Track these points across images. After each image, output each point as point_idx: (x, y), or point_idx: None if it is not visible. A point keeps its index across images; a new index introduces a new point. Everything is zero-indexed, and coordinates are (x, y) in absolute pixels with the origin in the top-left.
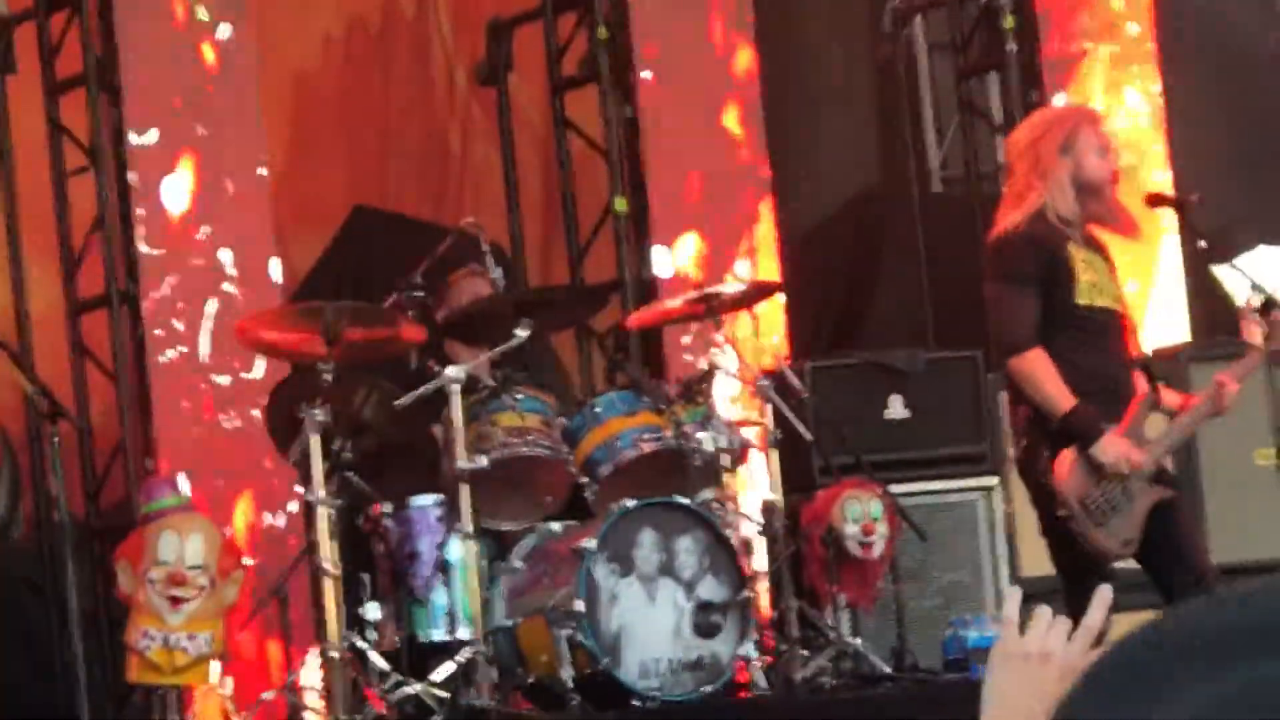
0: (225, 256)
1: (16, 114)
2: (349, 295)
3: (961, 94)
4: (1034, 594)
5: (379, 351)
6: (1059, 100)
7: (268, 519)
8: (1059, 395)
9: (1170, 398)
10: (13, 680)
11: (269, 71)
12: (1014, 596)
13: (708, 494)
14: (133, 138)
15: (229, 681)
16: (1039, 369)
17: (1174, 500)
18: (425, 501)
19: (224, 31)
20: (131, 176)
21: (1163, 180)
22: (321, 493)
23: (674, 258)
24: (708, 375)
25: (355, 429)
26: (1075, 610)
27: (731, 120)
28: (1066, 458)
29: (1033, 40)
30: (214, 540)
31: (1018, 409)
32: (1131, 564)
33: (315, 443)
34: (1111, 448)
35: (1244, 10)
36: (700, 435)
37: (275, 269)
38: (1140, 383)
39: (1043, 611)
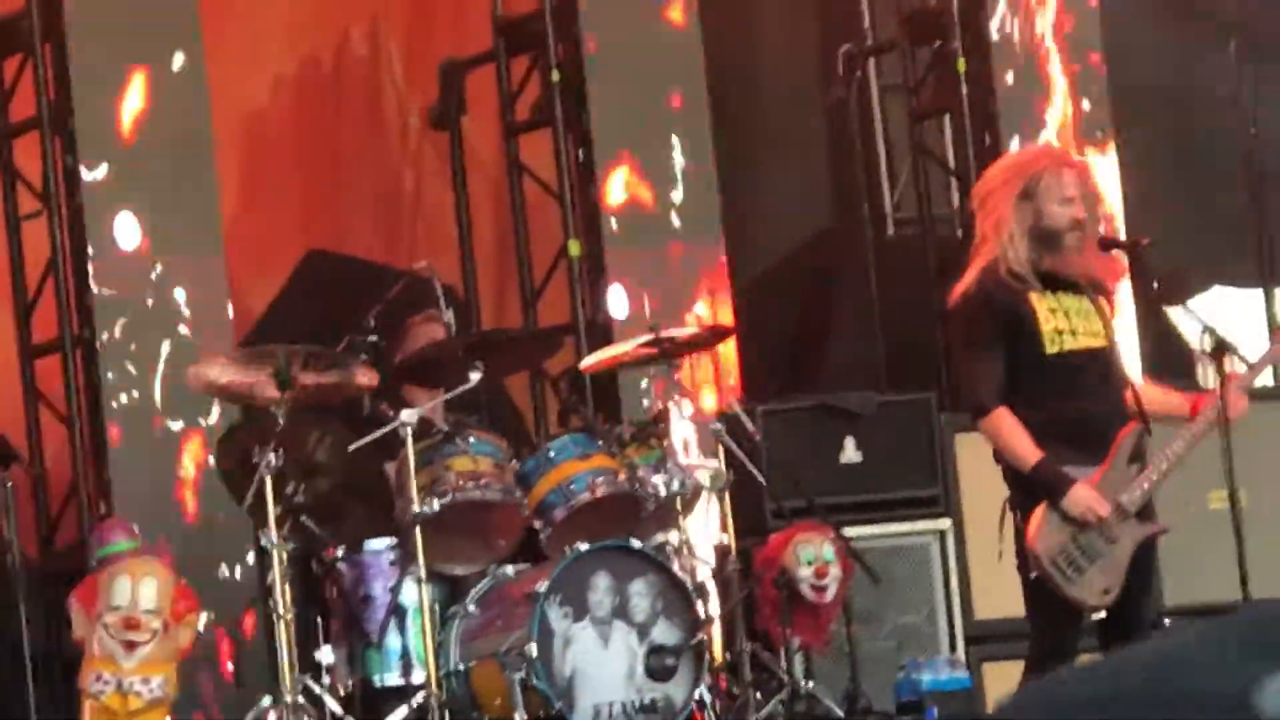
0: (179, 296)
1: None
2: (302, 338)
3: (914, 137)
4: (988, 636)
5: (332, 395)
6: (1013, 144)
7: (224, 570)
8: (1024, 452)
9: (1179, 405)
10: None
11: (221, 111)
12: None
13: (661, 537)
14: (84, 172)
15: None
16: (1003, 429)
17: (1154, 544)
18: (379, 545)
19: (178, 63)
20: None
21: (1115, 223)
22: (275, 536)
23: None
24: (662, 418)
25: (308, 472)
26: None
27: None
28: (1038, 514)
29: (986, 83)
30: (167, 584)
31: (1004, 472)
32: None
33: (268, 486)
34: (1078, 499)
35: (1195, 56)
36: (654, 479)
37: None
38: (1135, 398)
39: None
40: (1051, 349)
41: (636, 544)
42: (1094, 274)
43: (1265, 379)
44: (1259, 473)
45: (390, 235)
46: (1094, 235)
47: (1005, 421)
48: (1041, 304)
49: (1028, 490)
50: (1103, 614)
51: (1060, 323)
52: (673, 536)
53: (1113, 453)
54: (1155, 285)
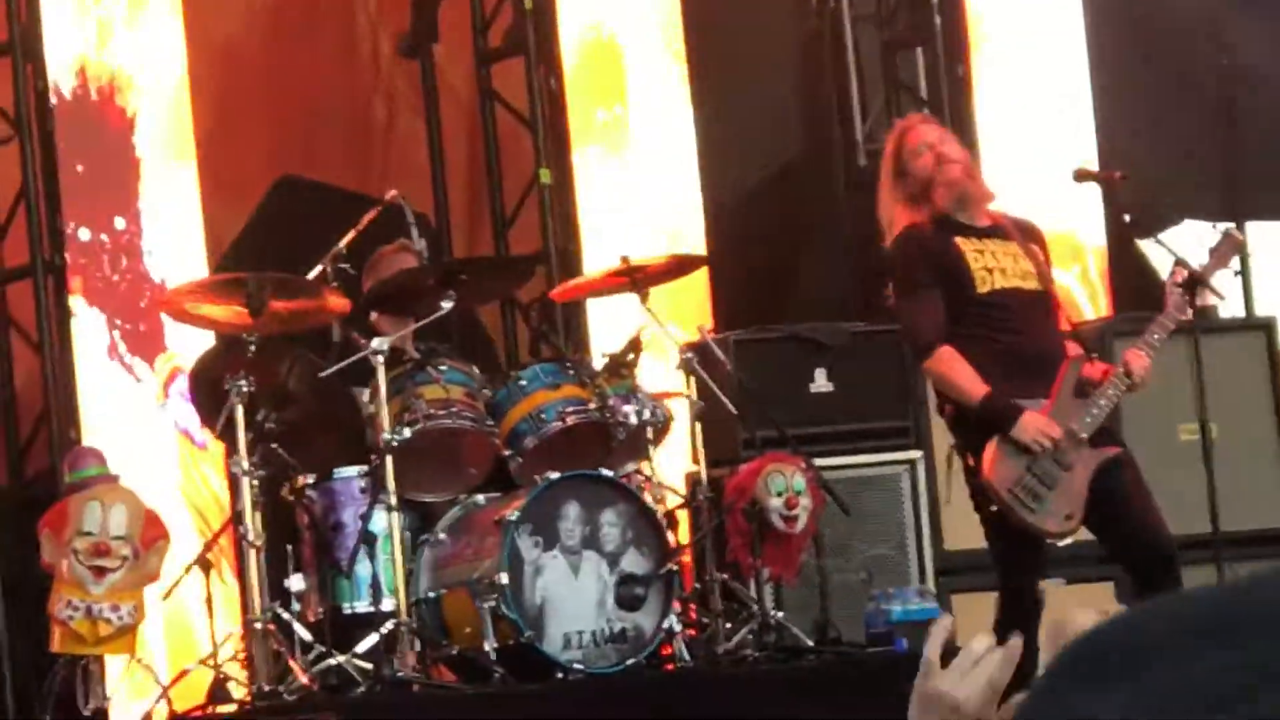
0: (151, 222)
1: None
2: (273, 265)
3: (887, 67)
4: (958, 568)
5: (304, 323)
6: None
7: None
8: (971, 386)
9: (1089, 369)
10: None
11: (194, 40)
12: (938, 633)
13: (632, 467)
14: (54, 100)
15: (153, 652)
16: (947, 366)
17: (1119, 462)
18: (349, 473)
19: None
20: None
21: (1088, 156)
22: (245, 464)
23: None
24: (632, 348)
25: (279, 400)
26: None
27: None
28: (991, 448)
29: (958, 14)
30: (137, 511)
31: (945, 410)
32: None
33: (239, 413)
34: (1029, 425)
35: None
36: (625, 408)
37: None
38: (1071, 349)
39: (971, 650)
40: (982, 288)
41: (607, 473)
42: (1005, 225)
43: (1236, 309)
44: (1228, 405)
45: (362, 163)
46: (976, 185)
47: (950, 359)
48: (967, 246)
49: (977, 428)
50: (1069, 540)
51: (989, 262)
52: (644, 466)
53: (1058, 383)
54: (1126, 218)
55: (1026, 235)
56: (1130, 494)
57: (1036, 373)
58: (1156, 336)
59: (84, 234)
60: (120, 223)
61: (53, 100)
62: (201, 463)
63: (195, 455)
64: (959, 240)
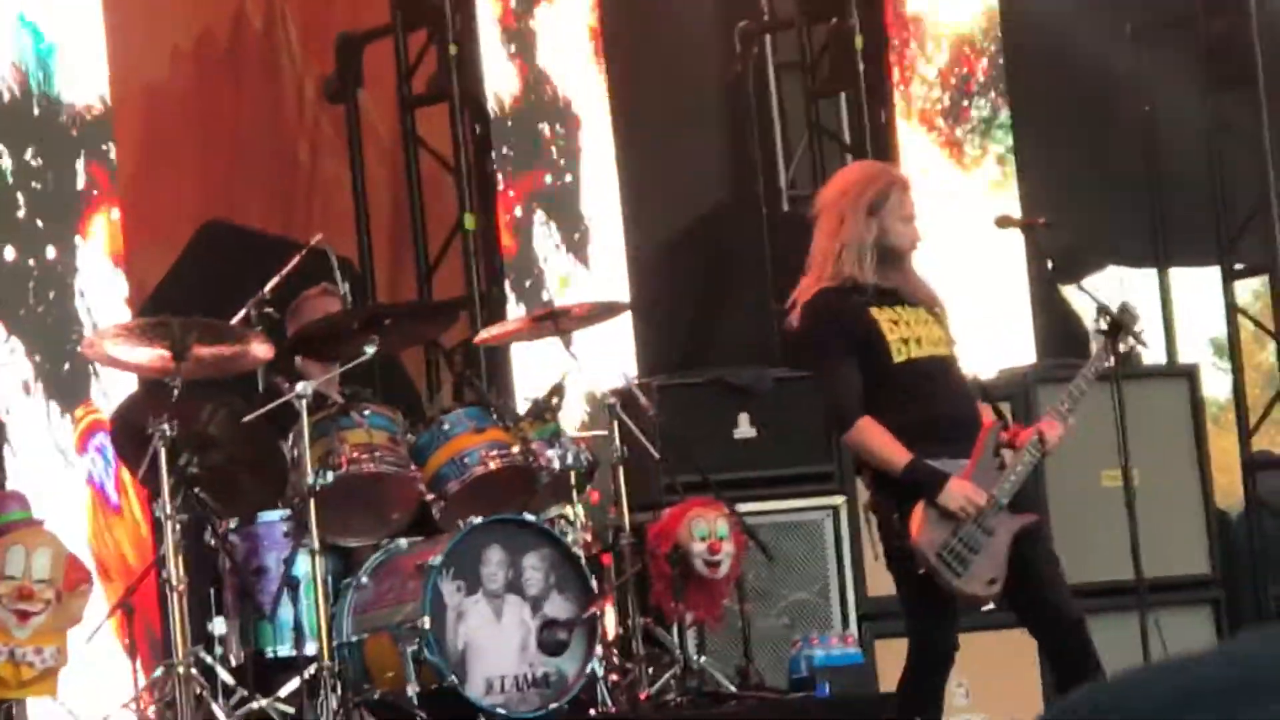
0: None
1: None
2: (197, 310)
3: (811, 114)
4: (881, 613)
5: (228, 367)
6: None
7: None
8: (894, 454)
9: (1007, 434)
10: None
11: (119, 82)
12: None
13: (555, 511)
14: None
15: (74, 696)
16: (868, 436)
17: (1035, 531)
18: (272, 517)
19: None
20: None
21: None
22: (169, 508)
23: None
24: (556, 393)
25: (202, 444)
26: (922, 639)
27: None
28: (917, 513)
29: (881, 61)
30: (60, 554)
31: (864, 476)
32: None
33: (162, 458)
34: (955, 493)
35: (1091, 32)
36: (549, 453)
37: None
38: (986, 414)
39: None
40: (899, 357)
41: (530, 518)
42: (927, 291)
43: (1158, 356)
44: (1151, 452)
45: (286, 208)
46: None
47: (870, 429)
48: (883, 316)
49: (899, 491)
50: (991, 605)
51: (904, 331)
52: (567, 511)
53: (978, 447)
54: (1050, 265)
55: (929, 302)
56: (1042, 563)
57: (955, 437)
58: (1071, 399)
59: (8, 253)
60: (51, 252)
61: None
62: (114, 526)
63: (107, 518)
64: (873, 310)
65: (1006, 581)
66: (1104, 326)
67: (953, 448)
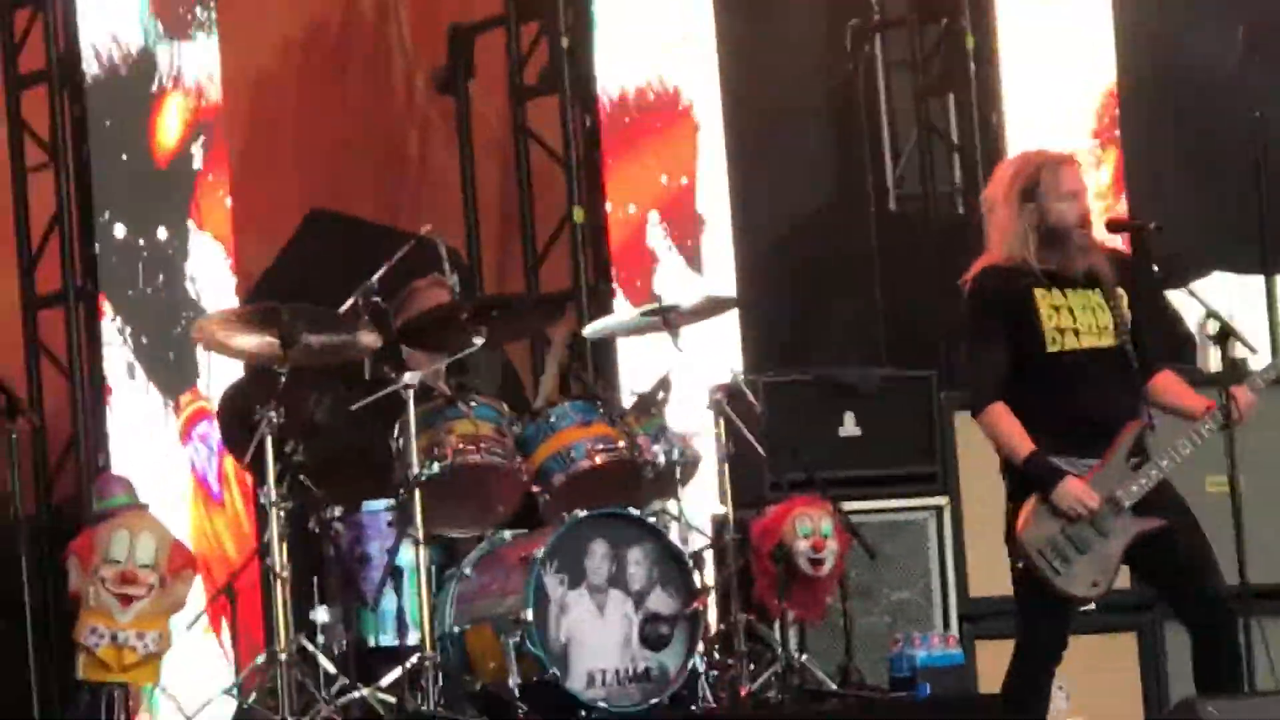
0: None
1: None
2: (303, 298)
3: (920, 113)
4: (982, 614)
5: (336, 356)
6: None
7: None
8: (1018, 446)
9: (1190, 400)
10: None
11: (229, 73)
12: None
13: (659, 506)
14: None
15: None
16: (998, 423)
17: (1170, 528)
18: (377, 506)
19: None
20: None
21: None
22: (274, 495)
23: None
24: (663, 388)
25: (308, 432)
26: (1026, 637)
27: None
28: (1027, 507)
29: (992, 62)
30: (165, 539)
31: (1001, 463)
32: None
33: (269, 445)
34: (1068, 491)
35: (1201, 36)
36: (654, 448)
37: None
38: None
39: None
40: (1053, 347)
41: (634, 512)
42: (1100, 270)
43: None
44: (1255, 458)
45: (394, 199)
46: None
47: (1001, 416)
48: (1045, 301)
49: (1021, 483)
50: (1092, 606)
51: (1063, 320)
52: (671, 505)
53: (1113, 448)
54: (1157, 268)
55: (1107, 282)
56: (1180, 560)
57: (1094, 435)
58: (1274, 370)
59: (118, 231)
60: (162, 233)
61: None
62: (215, 517)
63: (208, 509)
64: (1038, 293)
65: (1152, 576)
66: (1212, 332)
67: (1088, 448)
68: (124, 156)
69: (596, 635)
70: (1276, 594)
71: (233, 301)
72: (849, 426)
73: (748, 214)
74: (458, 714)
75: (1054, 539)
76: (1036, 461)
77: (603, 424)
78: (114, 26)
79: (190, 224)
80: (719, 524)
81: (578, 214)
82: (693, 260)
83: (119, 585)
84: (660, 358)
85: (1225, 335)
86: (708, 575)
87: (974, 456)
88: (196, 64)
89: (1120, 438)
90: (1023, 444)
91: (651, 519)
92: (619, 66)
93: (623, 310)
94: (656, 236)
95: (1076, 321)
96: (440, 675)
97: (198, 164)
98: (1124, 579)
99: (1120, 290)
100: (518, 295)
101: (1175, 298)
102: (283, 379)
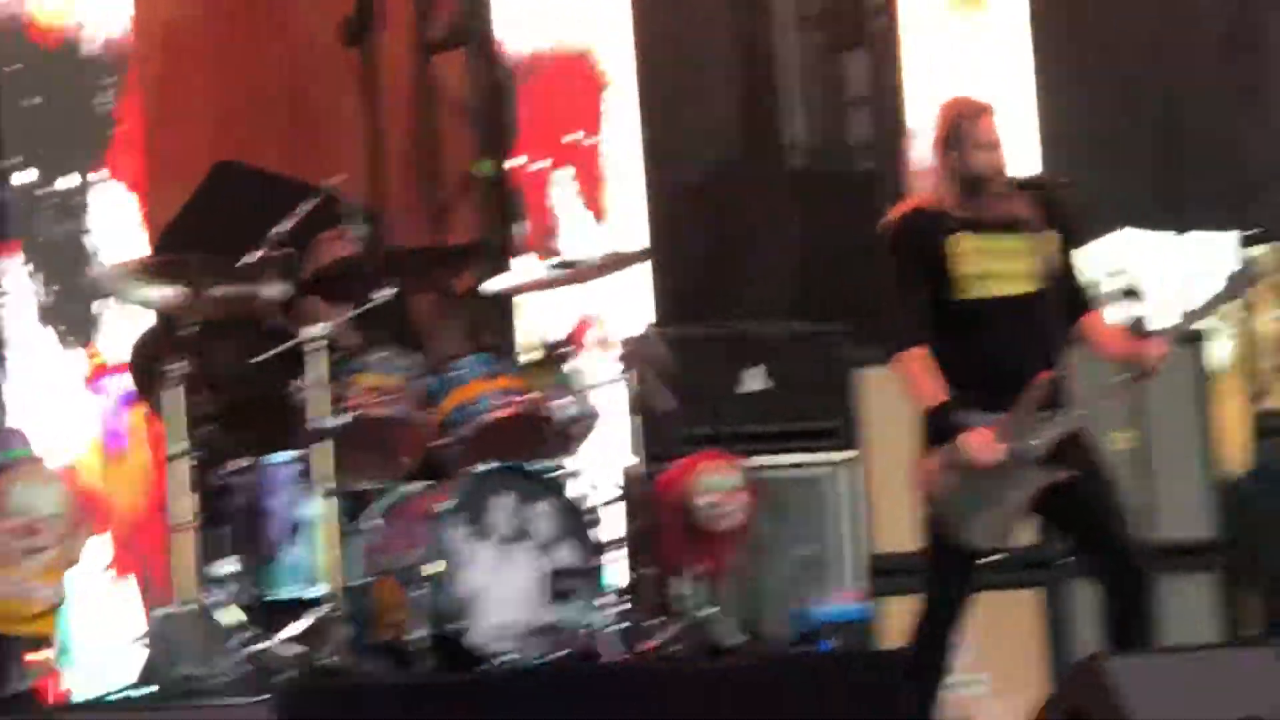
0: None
1: None
2: (208, 249)
3: (825, 68)
4: (887, 570)
5: (242, 307)
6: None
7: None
8: (926, 394)
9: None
10: None
11: (141, 24)
12: None
13: (565, 460)
14: None
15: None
16: (911, 369)
17: (1083, 478)
18: (282, 458)
19: None
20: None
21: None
22: (180, 446)
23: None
24: (570, 340)
25: (215, 383)
26: (932, 590)
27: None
28: (934, 456)
29: (894, 16)
30: (66, 492)
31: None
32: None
33: (175, 396)
34: (971, 442)
35: None
36: (560, 401)
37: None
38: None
39: None
40: (966, 294)
41: (540, 465)
42: (1023, 215)
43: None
44: (1159, 416)
45: (300, 151)
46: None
47: (914, 362)
48: (962, 247)
49: (930, 432)
50: (996, 557)
51: (979, 266)
52: (577, 459)
53: (1022, 398)
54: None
55: (1030, 227)
56: (1093, 512)
57: (1007, 384)
58: (1185, 322)
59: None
60: (74, 179)
61: None
62: (118, 469)
63: (112, 460)
64: (956, 239)
65: (1062, 526)
66: (1120, 288)
67: (1000, 398)
68: (36, 100)
69: (502, 588)
70: (1183, 550)
71: (142, 251)
72: (757, 380)
73: (658, 169)
74: (363, 666)
75: (959, 490)
76: (942, 411)
77: (508, 377)
78: None
79: (102, 172)
80: (627, 478)
81: (485, 167)
82: (602, 217)
83: (21, 537)
84: (567, 312)
85: (1133, 291)
86: (614, 529)
87: (881, 411)
88: (109, 13)
89: (1030, 387)
90: (931, 392)
91: (557, 472)
92: (530, 24)
93: (530, 264)
94: (567, 193)
95: (993, 268)
96: (346, 627)
97: (110, 112)
98: (1031, 535)
99: (1050, 233)
100: (424, 248)
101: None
102: (191, 330)
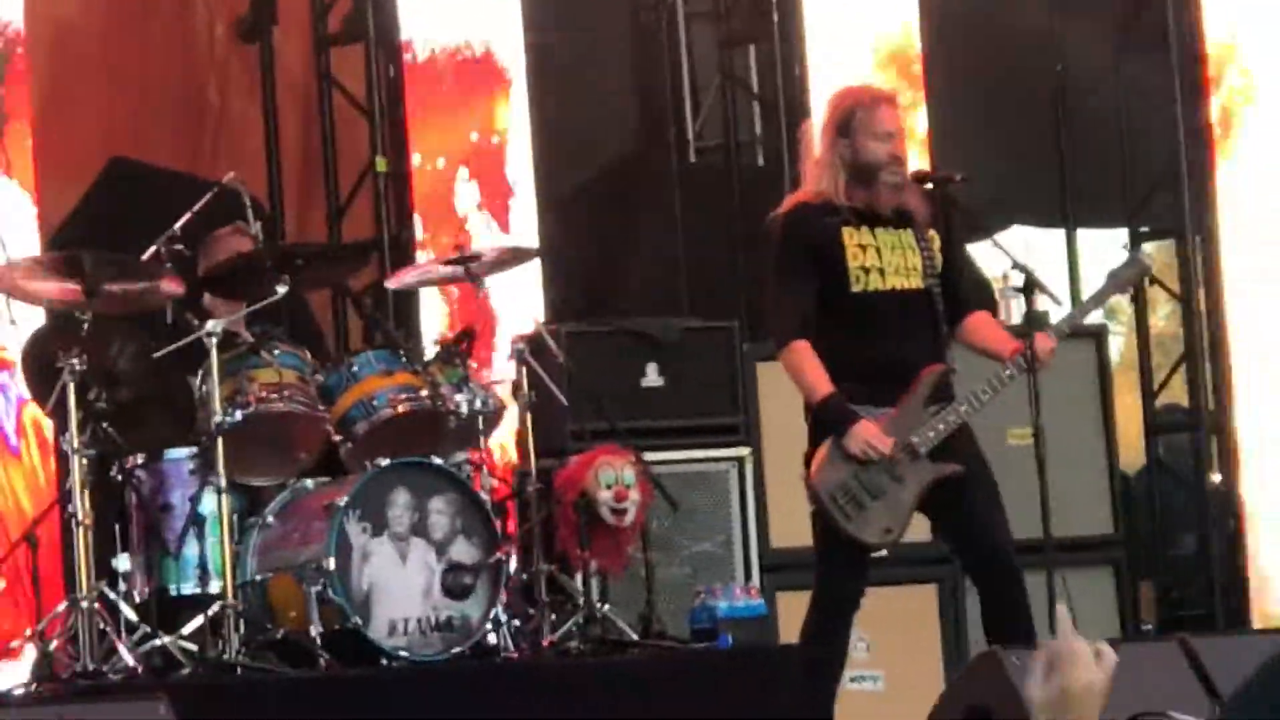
0: None
1: None
2: (104, 246)
3: (722, 63)
4: (784, 565)
5: (137, 304)
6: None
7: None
8: (814, 386)
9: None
10: None
11: (30, 17)
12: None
13: (462, 456)
14: None
15: None
16: (798, 361)
17: (965, 476)
18: (179, 454)
19: None
20: None
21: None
22: (75, 442)
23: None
24: (465, 337)
25: (111, 380)
26: (823, 584)
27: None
28: (821, 451)
29: (795, 11)
30: None
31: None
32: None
33: (71, 392)
34: (858, 434)
35: None
36: (457, 397)
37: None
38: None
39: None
40: (856, 287)
41: (437, 461)
42: (915, 210)
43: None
44: (1058, 412)
45: (195, 147)
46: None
47: (801, 355)
48: (852, 239)
49: (818, 425)
50: (884, 553)
51: (869, 259)
52: (474, 455)
53: (911, 392)
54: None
55: (921, 223)
56: (978, 505)
57: (895, 378)
58: (1072, 318)
59: None
60: None
61: None
62: (10, 470)
63: (4, 462)
64: (846, 231)
65: (941, 523)
66: (1016, 284)
67: (888, 392)
68: None
69: (398, 584)
70: (1078, 546)
71: (35, 248)
72: (651, 377)
73: (551, 164)
74: (259, 662)
75: (846, 484)
76: (830, 404)
77: (406, 373)
78: None
79: None
80: (523, 474)
81: (380, 164)
82: (500, 216)
83: None
84: (464, 308)
85: (1030, 287)
86: (510, 525)
87: (776, 408)
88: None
89: (919, 382)
90: (819, 385)
91: (454, 468)
92: (430, 21)
93: (426, 261)
94: (465, 192)
95: (883, 261)
96: (241, 623)
97: (0, 108)
98: (925, 531)
99: (933, 232)
100: (320, 244)
101: (977, 250)
102: (85, 326)
